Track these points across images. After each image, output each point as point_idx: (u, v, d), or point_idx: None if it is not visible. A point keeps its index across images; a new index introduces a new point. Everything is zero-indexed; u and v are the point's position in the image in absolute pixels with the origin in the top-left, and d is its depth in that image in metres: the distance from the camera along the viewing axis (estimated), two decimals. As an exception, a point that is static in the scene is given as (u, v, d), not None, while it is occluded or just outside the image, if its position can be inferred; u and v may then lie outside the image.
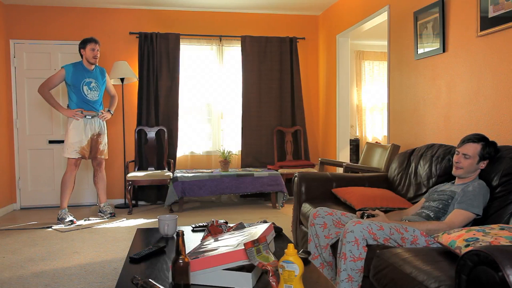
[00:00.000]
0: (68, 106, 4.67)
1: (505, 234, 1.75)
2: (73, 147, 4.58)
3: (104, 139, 4.85)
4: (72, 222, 4.54)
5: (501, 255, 1.34)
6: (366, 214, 2.45)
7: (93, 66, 4.68)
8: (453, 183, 2.44)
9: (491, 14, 2.81)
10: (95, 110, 4.70)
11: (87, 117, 4.64)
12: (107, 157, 4.97)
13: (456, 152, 2.39)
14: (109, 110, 4.94)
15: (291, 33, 6.13)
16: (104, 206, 4.94)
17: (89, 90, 4.62)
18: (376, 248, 2.12)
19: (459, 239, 1.81)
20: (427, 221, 2.27)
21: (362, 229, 2.13)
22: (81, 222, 4.67)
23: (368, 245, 2.15)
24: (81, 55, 4.65)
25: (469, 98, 3.11)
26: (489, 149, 2.31)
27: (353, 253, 2.12)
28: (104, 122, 4.86)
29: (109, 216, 4.85)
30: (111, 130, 5.76)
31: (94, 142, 4.73)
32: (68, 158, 4.62)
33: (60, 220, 4.58)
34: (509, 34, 2.70)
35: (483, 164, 2.32)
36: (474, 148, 2.31)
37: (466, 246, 1.74)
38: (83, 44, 4.60)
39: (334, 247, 2.49)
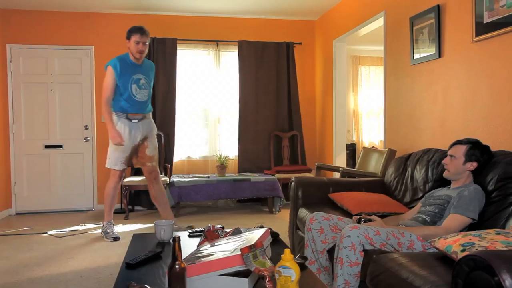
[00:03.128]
0: (112, 108, 3.98)
1: (501, 239, 1.75)
2: (118, 158, 3.99)
3: (152, 143, 4.12)
4: (116, 239, 4.04)
5: (497, 260, 1.34)
6: (363, 219, 2.45)
7: (141, 60, 3.97)
8: (449, 187, 2.44)
9: (486, 19, 2.83)
10: (143, 112, 4.03)
11: (132, 121, 3.95)
12: (157, 164, 4.18)
13: (446, 155, 2.42)
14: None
15: (288, 38, 6.15)
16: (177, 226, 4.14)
17: (138, 89, 3.91)
18: (373, 253, 2.11)
19: (455, 244, 1.81)
20: (423, 226, 2.28)
21: (358, 234, 2.13)
22: (77, 227, 4.65)
23: (364, 250, 2.14)
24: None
25: (465, 103, 3.13)
26: (476, 151, 2.31)
27: (350, 258, 2.11)
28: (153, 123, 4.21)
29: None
30: (108, 135, 5.73)
31: (139, 147, 4.07)
32: (116, 169, 4.04)
33: (104, 233, 4.13)
34: (504, 39, 2.72)
35: (470, 166, 2.32)
36: (460, 149, 2.34)
37: (462, 251, 1.74)
38: (128, 34, 3.91)
39: (331, 252, 2.48)
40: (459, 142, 2.38)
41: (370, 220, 2.44)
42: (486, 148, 2.35)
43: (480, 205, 2.21)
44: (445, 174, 2.43)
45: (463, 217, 2.17)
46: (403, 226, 2.37)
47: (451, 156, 2.37)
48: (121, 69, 3.85)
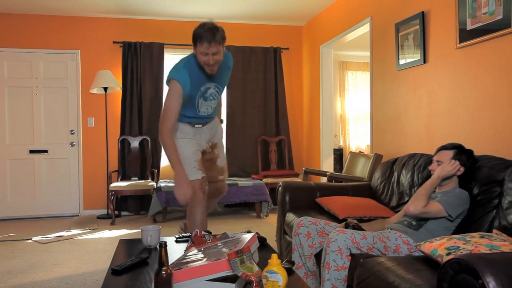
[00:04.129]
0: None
1: (485, 242, 1.78)
2: (191, 163, 2.89)
3: (222, 150, 3.16)
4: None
5: (481, 263, 1.36)
6: (350, 224, 2.46)
7: (215, 71, 2.75)
8: (434, 191, 2.47)
9: (469, 26, 2.88)
10: (207, 121, 3.02)
11: (196, 126, 2.97)
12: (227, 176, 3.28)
13: (432, 161, 2.44)
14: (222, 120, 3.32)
15: (275, 43, 6.18)
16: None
17: (203, 102, 2.85)
18: (360, 257, 2.13)
19: (440, 247, 1.83)
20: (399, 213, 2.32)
21: (345, 238, 2.14)
22: (62, 233, 4.58)
23: (352, 254, 2.16)
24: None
25: (450, 108, 3.17)
26: (462, 156, 2.34)
27: (337, 262, 2.12)
28: (221, 126, 3.23)
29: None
30: (94, 140, 5.70)
31: (208, 155, 3.09)
32: (194, 180, 2.85)
33: None
34: (487, 46, 2.77)
35: (458, 171, 2.36)
36: (446, 155, 2.36)
37: (448, 254, 1.76)
38: (193, 40, 2.68)
39: (318, 256, 2.49)
40: (444, 148, 2.41)
41: (358, 225, 2.46)
42: (471, 152, 2.38)
43: (464, 208, 2.24)
44: None
45: (441, 207, 2.20)
46: (389, 229, 2.39)
47: (438, 162, 2.39)
48: (191, 79, 2.72)
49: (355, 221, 2.50)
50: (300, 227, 2.54)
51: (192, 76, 2.71)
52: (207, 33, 2.58)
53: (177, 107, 2.74)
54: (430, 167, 2.43)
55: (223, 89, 2.94)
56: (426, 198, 2.25)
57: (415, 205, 2.22)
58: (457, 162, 2.30)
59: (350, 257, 2.14)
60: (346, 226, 2.47)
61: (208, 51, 2.60)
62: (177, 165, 2.77)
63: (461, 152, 2.35)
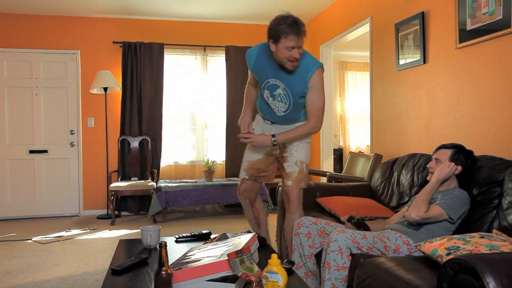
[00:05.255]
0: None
1: (485, 242, 1.78)
2: (243, 162, 2.97)
3: (293, 155, 2.79)
4: None
5: (481, 263, 1.36)
6: (355, 218, 2.44)
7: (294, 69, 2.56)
8: None
9: (469, 27, 2.88)
10: (276, 120, 2.80)
11: (265, 121, 2.87)
12: (303, 186, 2.85)
13: (430, 159, 2.44)
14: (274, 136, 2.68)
15: (275, 44, 6.16)
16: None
17: (270, 98, 2.69)
18: (360, 257, 2.13)
19: (440, 247, 1.83)
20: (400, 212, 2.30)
21: (345, 238, 2.14)
22: (62, 233, 4.58)
23: (352, 254, 2.16)
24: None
25: (449, 108, 3.17)
26: (461, 156, 2.33)
27: (337, 262, 2.12)
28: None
29: None
30: (94, 140, 5.70)
31: (280, 160, 2.87)
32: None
33: None
34: (487, 46, 2.77)
35: (455, 170, 2.35)
36: (445, 154, 2.36)
37: (447, 254, 1.76)
38: (274, 33, 2.46)
39: (318, 256, 2.49)
40: (444, 147, 2.41)
41: (362, 220, 2.44)
42: (470, 153, 2.38)
43: (464, 209, 2.24)
44: (430, 178, 2.45)
45: (441, 210, 2.19)
46: (389, 230, 2.39)
47: (436, 160, 2.39)
48: (256, 62, 2.66)
49: (359, 216, 2.49)
50: (301, 227, 2.54)
51: (259, 60, 2.64)
52: (293, 26, 2.43)
53: (249, 75, 2.87)
54: (428, 165, 2.43)
55: (294, 96, 2.61)
56: (427, 203, 2.24)
57: (416, 212, 2.21)
58: (454, 164, 2.30)
59: (350, 257, 2.14)
60: (350, 219, 2.46)
61: (297, 44, 2.44)
62: (243, 110, 2.92)
63: (459, 152, 2.35)
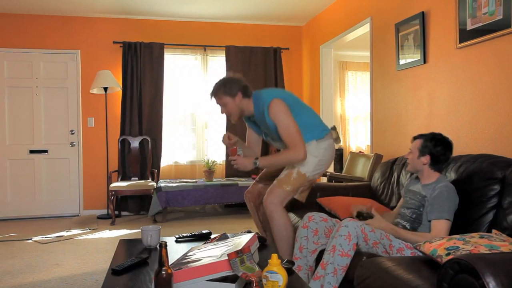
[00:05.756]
0: None
1: (485, 242, 1.78)
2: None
3: (287, 170, 2.87)
4: None
5: (481, 263, 1.36)
6: (364, 213, 2.44)
7: (236, 119, 2.92)
8: (420, 182, 2.44)
9: (469, 27, 2.88)
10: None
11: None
12: (288, 190, 2.79)
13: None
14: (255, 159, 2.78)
15: (275, 44, 6.18)
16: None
17: (266, 137, 3.04)
18: (362, 255, 2.14)
19: (440, 247, 1.83)
20: (416, 233, 2.25)
21: (356, 226, 2.15)
22: (62, 233, 4.59)
23: (357, 247, 2.16)
24: None
25: (449, 108, 3.17)
26: (429, 144, 2.32)
27: (343, 247, 2.13)
28: None
29: None
30: (94, 140, 5.70)
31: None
32: None
33: None
34: (487, 46, 2.77)
35: (424, 159, 2.33)
36: (415, 144, 2.38)
37: (447, 254, 1.76)
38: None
39: (318, 257, 2.49)
40: (418, 137, 2.42)
41: (370, 216, 2.43)
42: (442, 140, 2.34)
43: (454, 205, 2.21)
44: (407, 169, 2.48)
45: (443, 221, 2.16)
46: (400, 227, 2.37)
47: (410, 150, 2.41)
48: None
49: (368, 211, 2.47)
50: (311, 221, 2.52)
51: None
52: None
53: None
54: (405, 155, 2.44)
55: (272, 129, 2.77)
56: (412, 234, 2.20)
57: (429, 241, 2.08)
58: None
59: (356, 247, 2.14)
60: (359, 215, 2.43)
61: (218, 103, 2.82)
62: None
63: (427, 140, 2.34)
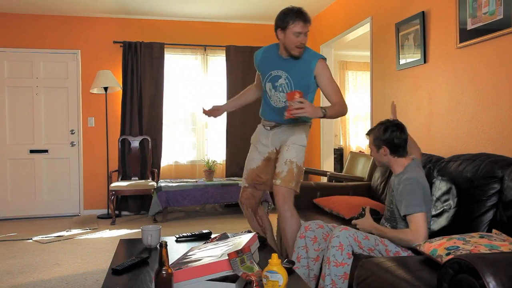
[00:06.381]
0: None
1: (485, 242, 1.78)
2: (244, 170, 3.07)
3: (283, 154, 2.78)
4: None
5: (481, 263, 1.36)
6: (367, 209, 2.42)
7: (300, 55, 2.70)
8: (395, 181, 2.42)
9: (469, 26, 2.88)
10: (277, 121, 2.87)
11: (265, 127, 2.97)
12: (293, 187, 2.75)
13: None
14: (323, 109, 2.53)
15: (276, 43, 6.17)
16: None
17: (272, 90, 2.80)
18: (361, 257, 2.13)
19: (440, 247, 1.83)
20: (397, 230, 2.23)
21: (348, 236, 2.14)
22: (63, 233, 4.59)
23: (353, 254, 2.16)
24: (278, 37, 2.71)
25: (450, 108, 3.17)
26: (378, 135, 2.31)
27: (336, 258, 2.12)
28: (296, 129, 2.84)
29: None
30: (94, 140, 5.70)
31: (273, 162, 2.90)
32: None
33: None
34: (487, 46, 2.77)
35: (383, 151, 2.31)
36: (369, 141, 2.40)
37: (447, 254, 1.76)
38: (281, 22, 2.63)
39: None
40: (368, 133, 2.42)
41: (375, 210, 2.42)
42: (389, 125, 2.31)
43: (423, 194, 2.17)
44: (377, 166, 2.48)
45: (418, 214, 2.12)
46: (385, 224, 2.37)
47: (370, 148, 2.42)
48: (262, 59, 2.85)
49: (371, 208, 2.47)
50: (308, 231, 2.51)
51: (265, 55, 2.84)
52: (300, 14, 2.61)
53: (255, 77, 3.15)
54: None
55: (296, 86, 2.68)
56: (393, 232, 2.20)
57: (412, 239, 2.09)
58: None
59: (351, 255, 2.14)
60: (361, 215, 2.43)
61: (303, 30, 2.61)
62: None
63: (376, 131, 2.33)
